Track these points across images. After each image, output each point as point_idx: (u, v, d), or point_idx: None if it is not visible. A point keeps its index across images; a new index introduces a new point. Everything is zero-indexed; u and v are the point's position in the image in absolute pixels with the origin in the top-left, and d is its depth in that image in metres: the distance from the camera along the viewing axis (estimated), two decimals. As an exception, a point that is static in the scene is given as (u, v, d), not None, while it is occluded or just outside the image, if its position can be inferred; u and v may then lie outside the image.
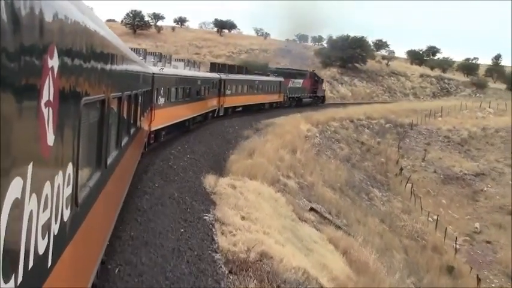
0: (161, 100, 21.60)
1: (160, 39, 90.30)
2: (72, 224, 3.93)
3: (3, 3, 2.01)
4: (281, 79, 54.56)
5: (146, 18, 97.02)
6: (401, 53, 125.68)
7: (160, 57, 26.38)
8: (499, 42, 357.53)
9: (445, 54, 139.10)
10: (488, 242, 36.35)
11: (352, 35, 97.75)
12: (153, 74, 19.08)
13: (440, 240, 32.11)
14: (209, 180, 17.70)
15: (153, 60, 23.89)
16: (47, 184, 2.96)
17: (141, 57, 19.80)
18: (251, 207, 15.53)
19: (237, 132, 31.46)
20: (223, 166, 21.65)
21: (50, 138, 2.96)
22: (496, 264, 32.72)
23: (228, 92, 38.57)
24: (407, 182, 41.60)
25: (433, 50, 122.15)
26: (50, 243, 3.13)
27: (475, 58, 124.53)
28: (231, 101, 40.00)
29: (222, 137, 28.89)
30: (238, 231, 13.09)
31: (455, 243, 33.04)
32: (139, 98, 12.40)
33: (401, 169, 44.47)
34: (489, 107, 71.56)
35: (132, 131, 10.61)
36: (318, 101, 65.93)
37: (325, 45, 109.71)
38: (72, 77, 3.57)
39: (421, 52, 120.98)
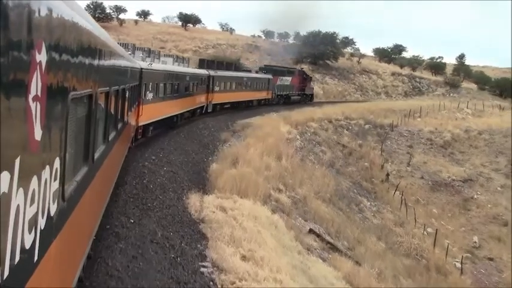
0: (149, 95, 21.56)
1: (122, 32, 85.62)
2: (59, 218, 3.93)
3: None
4: (269, 76, 54.54)
5: (108, 11, 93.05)
6: (366, 51, 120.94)
7: (149, 53, 26.51)
8: (460, 41, 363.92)
9: (411, 53, 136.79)
10: (490, 259, 33.12)
11: (323, 31, 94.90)
12: (141, 69, 19.07)
13: (442, 258, 29.00)
14: (193, 201, 14.77)
15: (141, 55, 23.81)
16: (34, 179, 2.96)
17: (129, 52, 19.74)
18: (251, 240, 12.71)
19: (213, 135, 28.41)
20: (206, 179, 18.88)
21: (38, 133, 2.97)
22: (503, 285, 29.69)
23: (216, 88, 38.54)
24: (395, 190, 38.20)
25: (399, 49, 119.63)
26: (36, 237, 3.12)
27: (439, 57, 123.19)
28: (219, 98, 39.91)
29: (198, 141, 25.48)
30: (244, 283, 10.14)
31: (461, 264, 29.80)
32: (127, 93, 12.43)
33: (387, 175, 40.79)
34: (467, 107, 70.24)
35: (119, 125, 10.59)
36: (306, 99, 65.73)
37: (291, 41, 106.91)
38: (60, 71, 3.57)
39: (389, 50, 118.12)
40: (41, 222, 3.26)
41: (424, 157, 47.83)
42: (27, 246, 2.91)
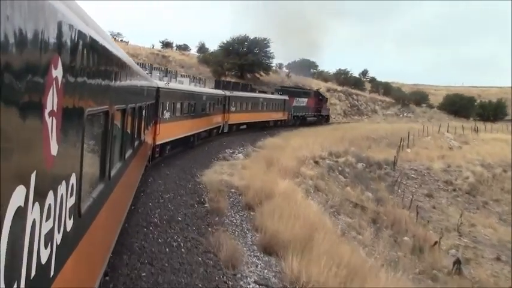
0: (166, 114, 21.59)
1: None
2: (75, 234, 3.91)
3: (8, 12, 2.04)
4: (285, 97, 55.24)
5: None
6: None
7: (166, 72, 27.24)
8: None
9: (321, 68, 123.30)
10: None
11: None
12: (158, 88, 19.23)
13: None
14: None
15: (158, 74, 24.02)
16: (50, 193, 2.96)
17: (146, 72, 19.76)
18: None
19: (187, 233, 13.03)
20: None
21: (54, 148, 2.96)
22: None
23: (232, 108, 38.71)
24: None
25: (308, 63, 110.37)
26: (52, 252, 3.12)
27: (348, 72, 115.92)
28: (235, 118, 39.98)
29: (167, 266, 10.58)
30: None
31: None
32: (144, 111, 12.50)
33: (457, 262, 24.23)
34: (447, 132, 62.79)
35: (136, 143, 10.63)
36: (322, 119, 66.22)
37: (192, 53, 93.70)
38: (76, 88, 3.58)
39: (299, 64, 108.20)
40: (57, 238, 3.26)
41: (453, 211, 34.90)
42: (43, 261, 2.89)
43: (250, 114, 44.13)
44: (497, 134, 66.20)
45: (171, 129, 22.25)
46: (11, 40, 2.08)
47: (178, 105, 24.04)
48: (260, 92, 53.34)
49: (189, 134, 26.88)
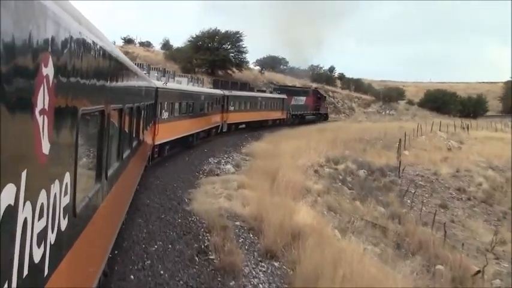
0: (165, 114, 21.58)
1: None
2: (70, 234, 3.83)
3: None
4: (284, 96, 55.34)
5: None
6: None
7: (164, 73, 26.91)
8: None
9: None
10: None
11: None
12: (157, 88, 19.07)
13: None
14: None
15: (156, 74, 24.04)
16: (43, 192, 2.92)
17: (144, 72, 19.61)
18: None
19: None
20: None
21: (46, 147, 2.92)
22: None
23: (231, 108, 38.84)
24: None
25: (277, 60, 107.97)
26: (46, 252, 3.07)
27: (321, 68, 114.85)
28: (234, 117, 40.13)
29: None
30: None
31: None
32: (142, 112, 12.41)
33: None
34: (439, 130, 58.86)
35: (134, 143, 10.47)
36: (320, 118, 66.34)
37: (157, 50, 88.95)
38: (68, 86, 3.53)
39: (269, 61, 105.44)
40: (51, 237, 3.19)
41: (475, 225, 30.65)
42: (37, 260, 2.85)
43: (249, 113, 44.42)
44: (486, 132, 64.89)
45: (169, 130, 22.38)
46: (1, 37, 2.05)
47: (176, 105, 24.16)
48: (258, 91, 53.85)
49: (187, 134, 27.10)
